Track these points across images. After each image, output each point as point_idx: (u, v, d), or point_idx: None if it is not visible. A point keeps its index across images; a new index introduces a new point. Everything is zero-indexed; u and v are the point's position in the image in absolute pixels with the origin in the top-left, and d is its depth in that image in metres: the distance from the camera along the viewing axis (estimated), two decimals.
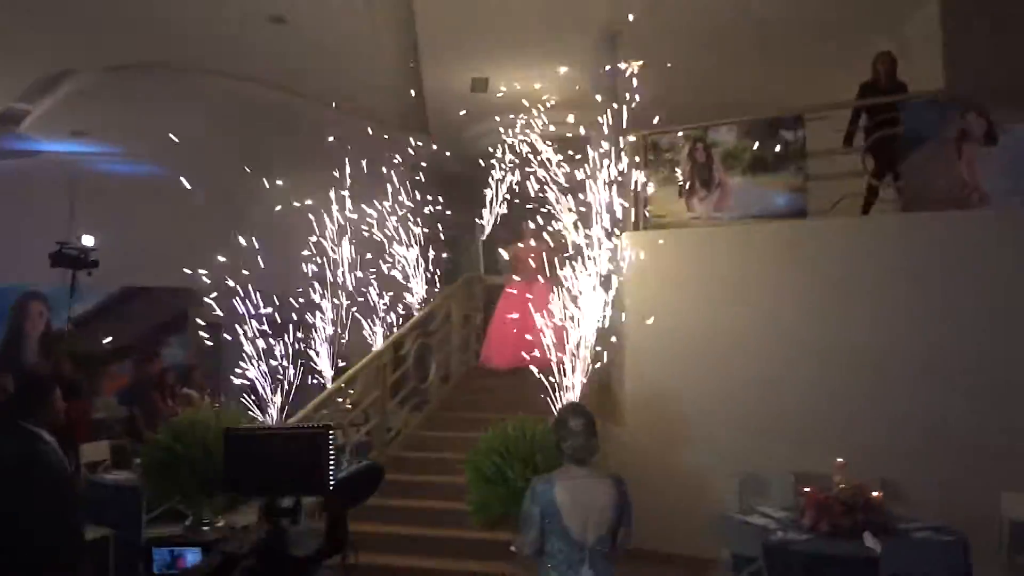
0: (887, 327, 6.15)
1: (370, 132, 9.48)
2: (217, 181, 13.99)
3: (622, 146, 6.97)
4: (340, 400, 6.52)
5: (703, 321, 6.71)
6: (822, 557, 4.39)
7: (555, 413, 3.58)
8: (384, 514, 6.36)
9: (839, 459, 5.06)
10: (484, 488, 4.43)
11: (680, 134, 7.18)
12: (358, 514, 6.20)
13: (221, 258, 7.49)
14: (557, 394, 5.37)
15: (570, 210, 9.38)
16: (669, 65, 7.20)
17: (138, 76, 10.37)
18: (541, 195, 8.88)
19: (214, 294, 7.21)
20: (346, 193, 7.05)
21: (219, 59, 9.95)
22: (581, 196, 9.25)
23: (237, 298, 6.48)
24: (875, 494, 4.89)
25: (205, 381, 9.12)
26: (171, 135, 11.73)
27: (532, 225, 8.50)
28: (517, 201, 9.22)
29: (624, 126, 6.89)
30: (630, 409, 6.99)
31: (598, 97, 7.22)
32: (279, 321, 6.85)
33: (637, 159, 7.17)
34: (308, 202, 7.45)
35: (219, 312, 7.26)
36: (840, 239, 6.47)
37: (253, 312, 6.28)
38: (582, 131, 7.37)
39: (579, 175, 7.03)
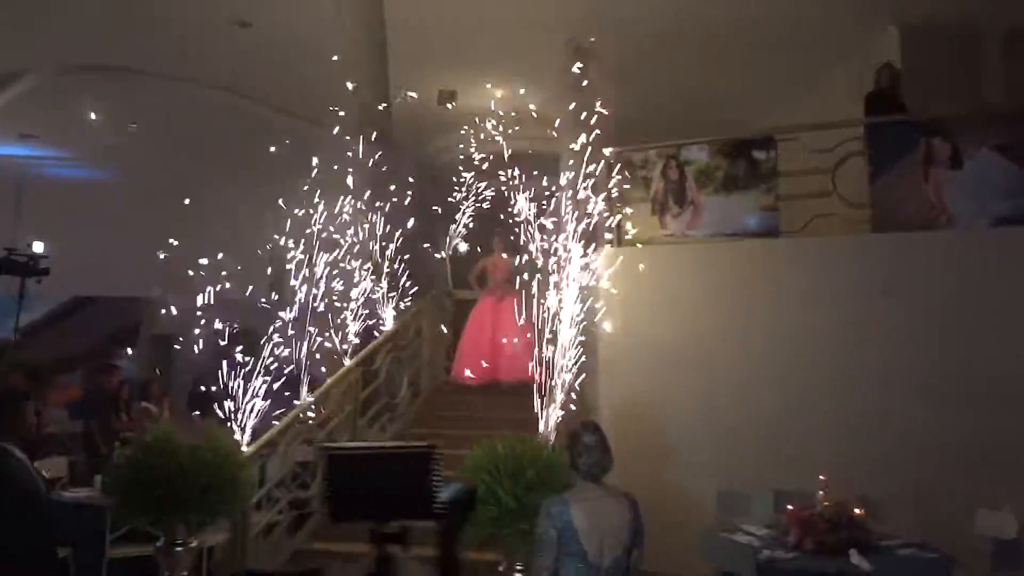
0: (859, 343, 6.27)
1: (333, 140, 9.32)
2: (173, 188, 13.64)
3: (590, 165, 6.98)
4: (303, 416, 6.34)
5: (677, 337, 6.76)
6: (812, 575, 4.43)
7: (561, 430, 3.54)
8: (353, 533, 6.23)
9: (821, 476, 5.11)
10: (479, 508, 4.35)
11: (653, 152, 7.22)
12: (339, 535, 6.09)
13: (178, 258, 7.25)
14: (541, 410, 5.29)
15: (540, 225, 9.40)
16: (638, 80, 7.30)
17: (94, 79, 10.06)
18: (513, 212, 8.87)
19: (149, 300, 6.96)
20: (318, 205, 6.87)
21: (181, 64, 9.71)
22: (548, 209, 9.27)
23: (202, 307, 6.22)
24: (857, 511, 4.96)
25: (165, 396, 8.85)
26: (126, 141, 11.43)
27: (502, 239, 8.48)
28: (485, 213, 9.22)
29: (594, 142, 6.91)
30: (602, 423, 6.96)
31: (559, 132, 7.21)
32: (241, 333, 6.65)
33: (614, 175, 7.19)
34: (279, 209, 7.24)
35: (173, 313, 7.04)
36: (812, 258, 6.59)
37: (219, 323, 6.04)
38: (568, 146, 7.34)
39: (551, 190, 7.04)
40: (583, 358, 5.83)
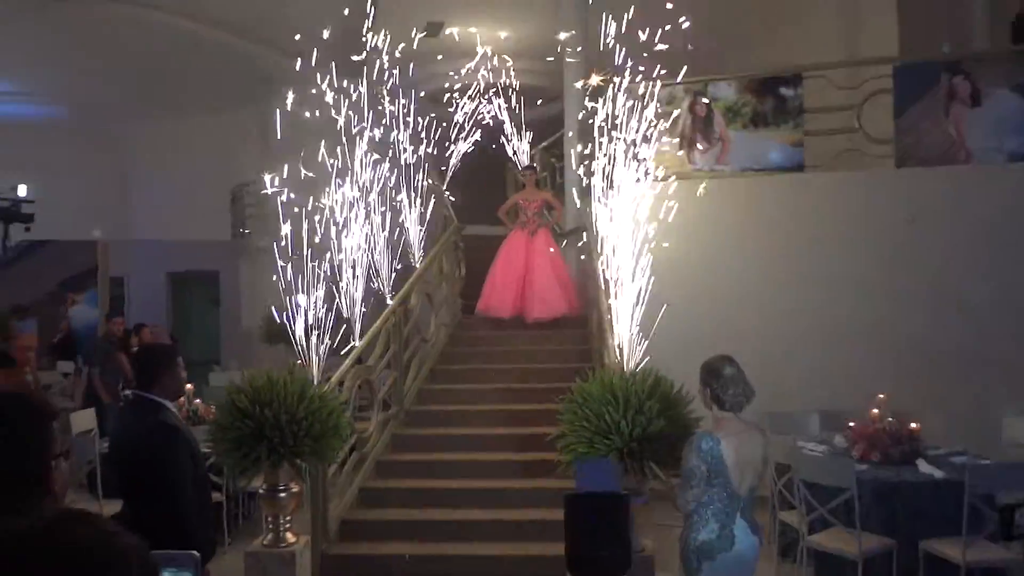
0: (886, 271, 6.70)
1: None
2: (126, 124, 12.85)
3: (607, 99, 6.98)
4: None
5: (712, 268, 7.00)
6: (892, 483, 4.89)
7: (703, 366, 3.68)
8: (411, 469, 6.35)
9: (880, 396, 5.54)
10: (596, 440, 4.51)
11: (680, 88, 7.32)
12: (397, 472, 6.14)
13: None
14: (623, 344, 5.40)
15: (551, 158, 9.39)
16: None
17: (35, 8, 9.28)
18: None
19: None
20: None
21: None
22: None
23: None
24: (913, 426, 5.43)
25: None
26: (76, 75, 10.66)
27: (533, 172, 8.47)
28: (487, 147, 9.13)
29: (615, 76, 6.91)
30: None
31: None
32: None
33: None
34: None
35: None
36: (839, 191, 6.93)
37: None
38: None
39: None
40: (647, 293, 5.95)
